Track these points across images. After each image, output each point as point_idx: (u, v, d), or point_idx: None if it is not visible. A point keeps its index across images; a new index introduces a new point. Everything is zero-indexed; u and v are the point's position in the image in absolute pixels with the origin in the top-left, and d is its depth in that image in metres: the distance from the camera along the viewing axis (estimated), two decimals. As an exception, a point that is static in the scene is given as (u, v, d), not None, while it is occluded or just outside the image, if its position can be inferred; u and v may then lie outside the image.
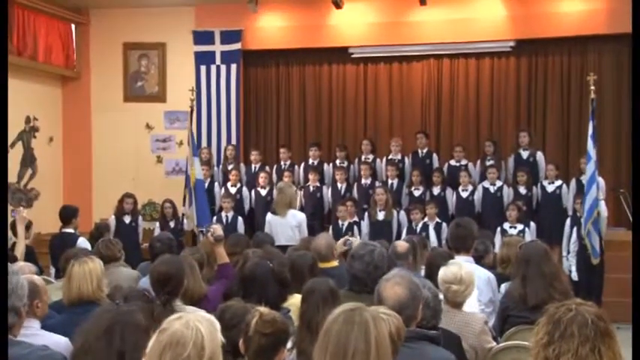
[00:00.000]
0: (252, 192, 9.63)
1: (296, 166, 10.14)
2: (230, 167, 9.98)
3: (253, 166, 10.17)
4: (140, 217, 9.01)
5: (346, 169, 9.77)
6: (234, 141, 10.71)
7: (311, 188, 9.57)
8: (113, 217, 8.75)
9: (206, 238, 4.62)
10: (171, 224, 8.93)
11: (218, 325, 2.02)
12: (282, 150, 10.22)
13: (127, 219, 8.75)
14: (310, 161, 10.10)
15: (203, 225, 7.99)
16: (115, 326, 2.21)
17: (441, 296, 3.47)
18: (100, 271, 3.82)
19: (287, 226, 7.43)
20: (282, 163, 10.17)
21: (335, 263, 4.87)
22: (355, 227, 8.57)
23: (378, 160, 10.00)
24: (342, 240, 5.51)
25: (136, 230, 8.81)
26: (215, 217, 8.98)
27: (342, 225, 8.62)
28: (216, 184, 9.88)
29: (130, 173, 10.95)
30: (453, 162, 9.74)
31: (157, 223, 8.87)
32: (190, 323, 1.95)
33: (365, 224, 8.73)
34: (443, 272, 3.77)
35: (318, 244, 4.86)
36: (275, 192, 8.65)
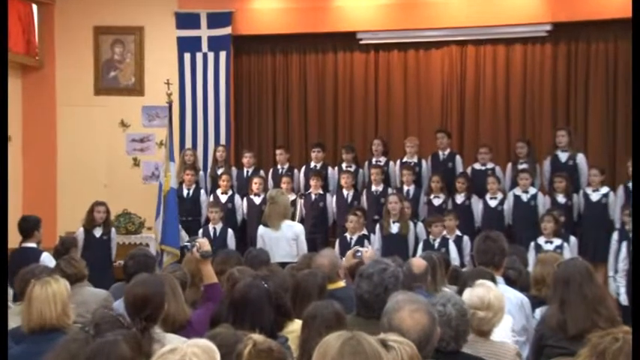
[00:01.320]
0: (245, 200, 9.67)
1: (295, 171, 10.18)
2: (219, 171, 10.02)
3: (246, 170, 10.20)
4: (113, 230, 9.02)
5: (354, 173, 9.80)
6: (223, 141, 10.75)
7: (313, 196, 9.60)
8: (82, 229, 8.75)
9: (190, 254, 4.62)
10: (97, 234, 8.82)
11: (218, 355, 2.01)
12: (279, 151, 10.25)
13: (98, 232, 8.76)
14: (312, 164, 10.13)
15: (170, 243, 8.03)
16: (95, 359, 2.20)
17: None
18: (66, 293, 3.82)
19: (282, 240, 7.43)
20: (279, 166, 10.20)
21: (341, 284, 4.86)
22: (365, 241, 8.59)
23: (391, 163, 10.02)
24: (351, 251, 5.52)
25: (108, 245, 8.82)
26: (201, 230, 9.00)
27: (350, 239, 8.63)
28: (202, 191, 9.93)
29: (101, 178, 10.97)
30: (478, 165, 9.74)
31: (81, 229, 8.84)
32: (187, 358, 1.93)
33: (376, 238, 8.73)
34: (467, 296, 3.75)
35: (321, 262, 4.85)
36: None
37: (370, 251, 5.45)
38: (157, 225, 8.70)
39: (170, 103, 8.80)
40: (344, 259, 5.34)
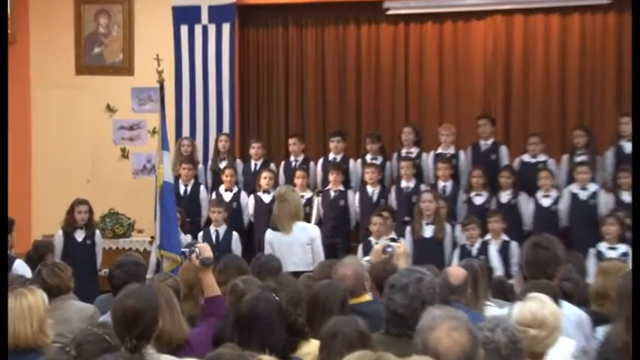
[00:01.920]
0: (252, 198, 9.70)
1: (312, 163, 10.20)
2: (222, 165, 10.06)
3: (253, 162, 10.23)
4: (98, 233, 9.06)
5: (380, 167, 9.80)
6: (227, 129, 10.77)
7: (332, 193, 9.62)
8: (60, 232, 8.78)
9: (188, 261, 4.63)
10: (79, 237, 8.83)
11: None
12: (292, 141, 10.27)
13: (80, 235, 8.80)
14: (331, 156, 10.13)
15: (169, 248, 8.00)
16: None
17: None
18: (43, 308, 3.83)
19: (295, 245, 7.43)
20: (292, 158, 10.21)
21: (367, 297, 4.85)
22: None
23: (424, 154, 10.00)
24: (380, 245, 5.52)
25: (92, 251, 8.85)
26: (201, 233, 9.04)
27: (375, 244, 8.58)
28: (202, 187, 9.97)
29: (84, 172, 11.02)
30: (527, 157, 9.69)
31: (60, 232, 8.85)
32: None
33: (407, 243, 8.71)
34: (518, 311, 3.74)
35: (344, 273, 4.83)
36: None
37: (403, 247, 5.44)
38: (157, 227, 8.62)
39: (161, 83, 8.80)
40: (371, 254, 5.35)
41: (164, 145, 8.33)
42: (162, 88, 8.42)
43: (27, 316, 3.75)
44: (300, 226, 7.51)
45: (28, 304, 3.78)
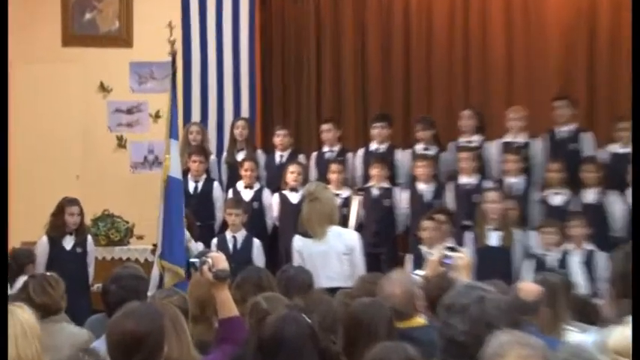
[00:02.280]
0: (277, 197, 9.76)
1: (349, 155, 10.24)
2: (240, 156, 10.13)
3: (278, 154, 10.29)
4: (90, 240, 9.08)
5: (434, 159, 9.81)
6: (245, 113, 10.85)
7: (374, 192, 9.64)
8: (45, 238, 8.83)
9: (200, 275, 4.63)
10: (67, 245, 8.82)
11: None
12: (325, 127, 10.30)
13: (69, 242, 8.82)
14: (373, 146, 10.16)
15: (172, 258, 7.99)
16: None
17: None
18: (33, 329, 3.83)
19: (330, 255, 7.42)
20: (326, 148, 10.26)
21: (419, 320, 4.86)
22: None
23: (487, 144, 9.97)
24: (436, 256, 5.48)
25: (83, 261, 8.88)
26: (215, 240, 9.08)
27: (428, 254, 8.57)
28: (215, 184, 10.04)
29: (72, 166, 11.09)
30: (617, 147, 9.59)
31: (45, 238, 8.85)
32: None
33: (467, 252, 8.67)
34: (616, 338, 3.70)
35: (391, 291, 4.83)
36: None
37: (466, 258, 5.42)
38: (159, 233, 8.57)
39: (174, 55, 8.79)
40: (425, 267, 5.33)
41: (173, 133, 8.31)
42: (174, 61, 8.41)
43: (28, 336, 3.77)
44: (335, 231, 7.51)
45: (23, 323, 3.79)
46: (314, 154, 10.36)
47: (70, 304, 5.74)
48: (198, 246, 8.57)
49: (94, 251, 9.17)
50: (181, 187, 8.36)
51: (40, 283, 5.33)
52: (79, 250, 8.89)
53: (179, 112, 10.31)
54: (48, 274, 5.72)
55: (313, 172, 10.08)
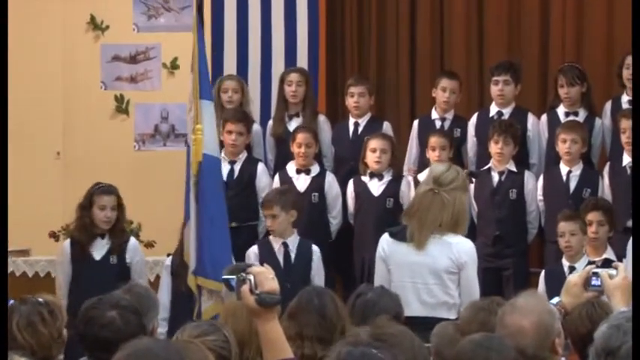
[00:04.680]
0: (351, 186, 9.82)
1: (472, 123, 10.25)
2: (292, 125, 10.22)
3: (353, 122, 10.36)
4: (132, 244, 9.15)
5: (584, 127, 9.81)
6: (302, 63, 10.93)
7: (495, 176, 9.72)
8: (68, 244, 9.04)
9: (238, 298, 4.66)
10: (97, 253, 8.96)
11: None
12: (445, 83, 10.32)
13: (100, 249, 8.95)
14: (493, 109, 10.25)
15: (210, 272, 7.99)
16: None
17: None
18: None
19: (431, 271, 7.41)
20: (434, 114, 10.31)
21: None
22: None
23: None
24: (580, 276, 5.44)
25: (118, 275, 8.71)
26: (255, 249, 9.14)
27: (570, 269, 8.64)
28: (260, 168, 10.12)
29: (50, 138, 11.19)
30: None
31: (67, 244, 8.87)
32: None
33: (628, 267, 8.61)
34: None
35: (518, 324, 4.81)
36: (406, 186, 8.70)
37: (621, 274, 5.35)
38: (188, 235, 8.64)
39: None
40: (563, 294, 5.30)
41: (203, 91, 8.29)
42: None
43: None
44: (442, 239, 7.43)
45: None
46: (416, 123, 10.43)
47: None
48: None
49: (141, 262, 9.26)
50: (221, 169, 8.39)
51: (27, 315, 5.32)
52: (113, 260, 9.01)
53: (208, 59, 10.46)
54: (41, 300, 5.61)
55: (414, 150, 10.13)
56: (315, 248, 9.13)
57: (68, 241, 8.95)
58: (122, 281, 8.61)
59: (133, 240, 9.20)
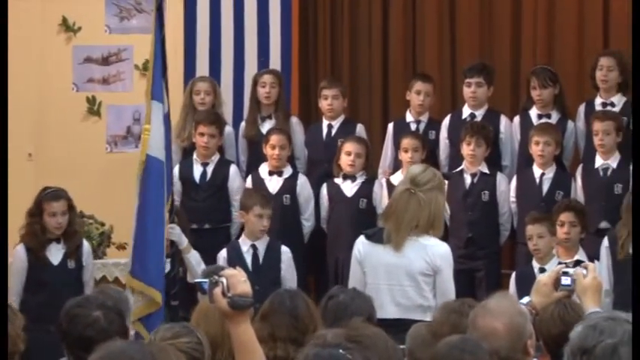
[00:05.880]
0: (325, 189, 9.87)
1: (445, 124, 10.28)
2: (265, 127, 10.22)
3: (326, 124, 10.39)
4: (86, 247, 9.16)
5: (556, 130, 9.80)
6: (275, 64, 10.94)
7: (467, 178, 9.75)
8: (22, 248, 8.97)
9: (210, 300, 4.64)
10: (54, 258, 8.93)
11: None
12: (419, 86, 10.32)
13: (56, 253, 8.92)
14: (466, 111, 10.28)
15: (145, 275, 7.96)
16: None
17: None
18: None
19: (405, 273, 7.40)
20: (409, 117, 10.34)
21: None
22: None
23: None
24: (549, 274, 5.43)
25: (76, 279, 8.94)
26: (224, 253, 9.13)
27: (541, 270, 8.55)
28: (232, 170, 10.13)
29: (21, 140, 11.15)
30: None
31: (21, 249, 8.80)
32: None
33: (601, 268, 8.62)
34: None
35: (490, 326, 4.82)
36: (378, 187, 8.72)
37: (592, 273, 5.35)
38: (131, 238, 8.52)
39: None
40: (533, 293, 5.31)
41: (155, 92, 8.29)
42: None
43: None
44: (418, 241, 7.43)
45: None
46: (391, 126, 10.46)
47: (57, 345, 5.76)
48: (195, 256, 8.61)
49: (92, 264, 9.28)
50: (163, 172, 8.35)
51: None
52: (70, 264, 8.98)
53: (179, 61, 10.43)
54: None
55: (389, 153, 10.15)
56: (284, 249, 9.15)
57: (22, 246, 8.87)
58: (76, 283, 8.70)
59: (86, 243, 9.19)
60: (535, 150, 9.61)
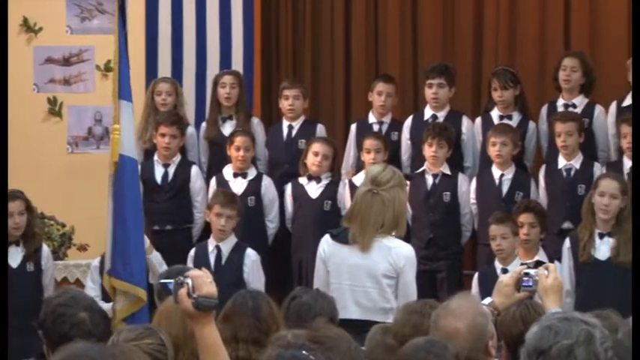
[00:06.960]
0: (289, 189, 9.88)
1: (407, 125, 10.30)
2: (227, 128, 10.22)
3: (286, 124, 10.38)
4: (45, 250, 9.15)
5: (518, 131, 9.85)
6: (237, 65, 10.93)
7: (429, 179, 9.76)
8: None
9: (175, 302, 4.64)
10: (13, 261, 8.86)
11: None
12: (381, 86, 10.34)
13: (15, 256, 8.88)
14: (428, 112, 10.29)
15: (130, 275, 7.94)
16: None
17: None
18: None
19: (369, 275, 7.40)
20: (371, 117, 10.37)
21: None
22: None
23: (598, 108, 10.06)
24: (509, 276, 5.45)
25: (36, 283, 8.92)
26: (192, 252, 9.18)
27: (503, 270, 8.61)
28: (194, 170, 10.11)
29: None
30: None
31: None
32: None
33: (563, 269, 8.64)
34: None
35: (452, 326, 4.84)
36: (342, 188, 8.72)
37: (553, 274, 5.38)
38: (107, 238, 8.45)
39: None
40: (494, 294, 5.33)
41: (123, 92, 8.26)
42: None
43: None
44: (382, 243, 7.42)
45: None
46: (354, 127, 10.47)
47: (18, 344, 5.73)
48: (156, 257, 8.59)
49: (52, 267, 9.24)
50: (138, 170, 8.34)
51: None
52: (29, 267, 8.96)
53: (140, 62, 10.40)
54: None
55: (352, 154, 10.18)
56: (249, 252, 9.13)
57: None
58: (35, 287, 8.66)
59: (45, 246, 9.14)
60: (492, 151, 9.64)
